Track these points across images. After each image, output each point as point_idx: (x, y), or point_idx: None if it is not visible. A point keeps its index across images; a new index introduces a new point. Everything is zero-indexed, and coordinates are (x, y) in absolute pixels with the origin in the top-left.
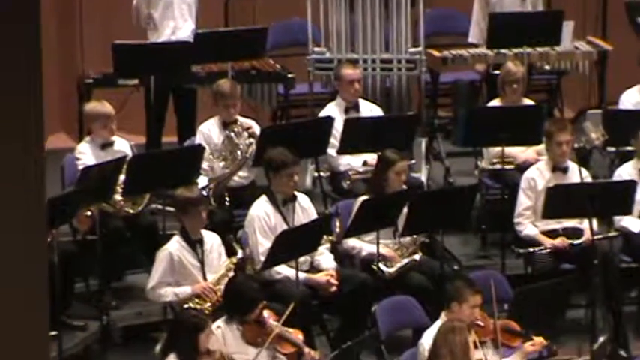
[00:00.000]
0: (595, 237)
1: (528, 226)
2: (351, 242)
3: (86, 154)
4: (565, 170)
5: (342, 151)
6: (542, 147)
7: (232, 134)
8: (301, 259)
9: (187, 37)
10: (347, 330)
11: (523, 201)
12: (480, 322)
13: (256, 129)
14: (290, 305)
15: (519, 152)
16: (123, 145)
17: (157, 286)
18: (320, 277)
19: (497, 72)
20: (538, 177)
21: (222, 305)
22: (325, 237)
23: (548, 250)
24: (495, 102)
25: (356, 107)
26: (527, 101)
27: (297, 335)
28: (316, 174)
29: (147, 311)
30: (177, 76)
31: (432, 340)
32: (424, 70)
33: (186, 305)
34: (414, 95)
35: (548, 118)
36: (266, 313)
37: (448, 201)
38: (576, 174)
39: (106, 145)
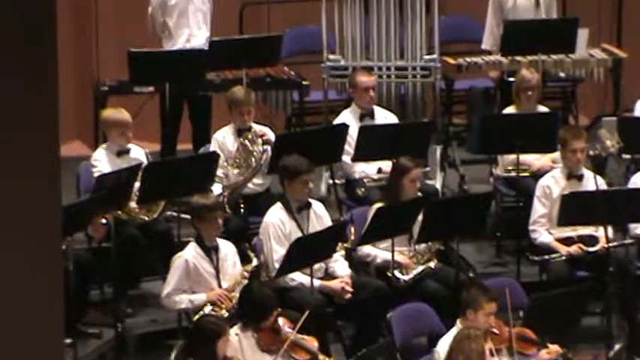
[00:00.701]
0: (610, 245)
1: (543, 233)
2: (366, 249)
3: (102, 161)
4: (580, 178)
5: (356, 158)
6: (557, 154)
7: (247, 141)
8: (316, 266)
9: (202, 45)
10: (362, 337)
11: (538, 208)
12: (495, 330)
13: (271, 136)
14: (305, 313)
15: (534, 160)
16: (138, 153)
17: (173, 294)
18: (335, 284)
19: (511, 79)
20: (553, 184)
21: (237, 312)
22: (340, 244)
23: (563, 258)
24: (510, 109)
25: (371, 114)
26: (542, 108)
27: (312, 343)
28: (331, 181)
29: (162, 319)
30: (192, 83)
31: (447, 348)
32: (439, 78)
33: (202, 312)
34: (428, 102)
35: (563, 126)
36: (281, 320)
37: (463, 208)
38: (592, 181)
39: (122, 153)
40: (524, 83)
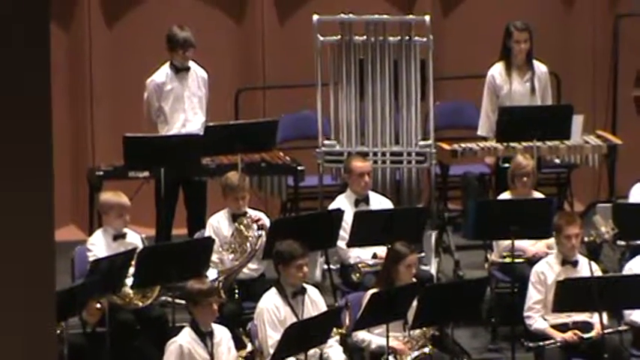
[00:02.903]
0: (605, 331)
1: (538, 320)
2: (361, 335)
3: (98, 245)
4: (575, 264)
5: (351, 243)
6: (552, 240)
7: (242, 227)
8: (310, 351)
9: (198, 130)
10: None
11: (533, 295)
12: None
13: (266, 221)
14: None
15: (529, 245)
16: (134, 238)
17: None
18: None
19: (506, 165)
20: (548, 270)
21: None
22: (335, 330)
23: (558, 345)
24: (506, 195)
25: (366, 200)
26: (537, 194)
27: None
28: (326, 266)
29: None
30: (187, 168)
31: None
32: (434, 163)
33: None
34: (423, 188)
35: (558, 212)
36: None
37: (458, 294)
38: (586, 267)
39: (118, 237)
40: (520, 169)
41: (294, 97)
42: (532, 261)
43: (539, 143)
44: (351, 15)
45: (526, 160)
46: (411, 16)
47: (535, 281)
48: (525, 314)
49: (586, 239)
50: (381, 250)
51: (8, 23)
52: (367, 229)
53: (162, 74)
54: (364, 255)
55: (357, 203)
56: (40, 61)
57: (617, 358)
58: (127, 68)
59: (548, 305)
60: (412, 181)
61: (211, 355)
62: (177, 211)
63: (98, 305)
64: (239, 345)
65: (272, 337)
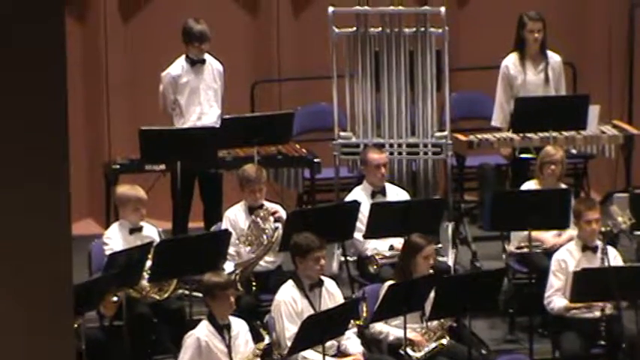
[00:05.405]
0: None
1: (558, 300)
2: (378, 327)
3: (114, 239)
4: (595, 249)
5: (368, 235)
6: (575, 232)
7: (258, 219)
8: (328, 343)
9: (213, 123)
10: None
11: (554, 282)
12: None
13: (282, 214)
14: None
15: (551, 237)
16: (151, 231)
17: None
18: None
19: (523, 156)
20: (569, 257)
21: None
22: (352, 321)
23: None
24: (531, 184)
25: (382, 191)
26: (563, 186)
27: None
28: (343, 258)
29: None
30: (203, 161)
31: None
32: (450, 154)
33: None
34: (440, 179)
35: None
36: None
37: (475, 285)
38: (607, 254)
39: (135, 230)
40: (547, 157)
41: (309, 90)
42: (550, 252)
43: (555, 134)
44: (366, 7)
45: (555, 149)
46: (426, 8)
47: (556, 269)
48: (546, 301)
49: (603, 229)
50: (398, 242)
51: (23, 18)
52: (384, 221)
53: (178, 67)
54: (381, 247)
55: (373, 195)
56: (56, 53)
57: (635, 348)
58: (143, 61)
59: (568, 292)
60: (428, 173)
61: (229, 347)
62: (194, 204)
63: (115, 299)
64: (256, 337)
65: (289, 329)
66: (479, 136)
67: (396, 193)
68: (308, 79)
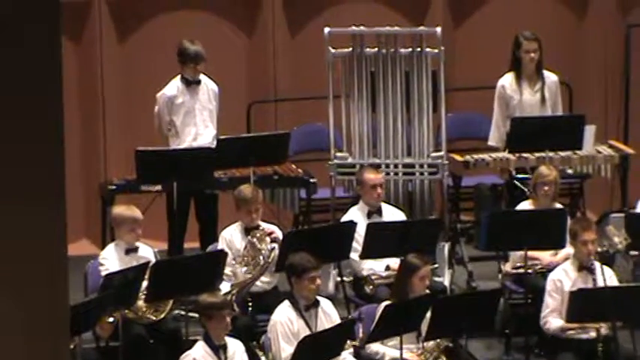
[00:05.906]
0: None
1: (554, 320)
2: (374, 347)
3: (110, 260)
4: (591, 270)
5: (364, 255)
6: (571, 251)
7: (255, 239)
8: None
9: (209, 143)
10: None
11: (549, 302)
12: None
13: (279, 234)
14: None
15: (547, 255)
16: (147, 251)
17: None
18: None
19: (519, 176)
20: (564, 277)
21: None
22: (348, 342)
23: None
24: (526, 204)
25: (378, 212)
26: (558, 206)
27: None
28: (339, 279)
29: None
30: (199, 181)
31: None
32: (446, 175)
33: None
34: (436, 199)
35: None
36: None
37: (471, 305)
38: (602, 274)
39: (131, 251)
40: (541, 178)
41: (305, 110)
42: (547, 271)
43: (551, 154)
44: (362, 27)
45: (549, 169)
46: (422, 28)
47: (551, 289)
48: (542, 321)
49: (599, 249)
50: (394, 262)
51: (19, 38)
52: (380, 241)
53: (173, 87)
54: (377, 267)
55: (369, 215)
56: (52, 74)
57: None
58: (138, 82)
59: (564, 312)
60: (424, 193)
61: None
62: (190, 224)
63: (111, 319)
64: (252, 358)
65: (285, 350)
66: (475, 156)
67: (392, 214)
68: (304, 99)
